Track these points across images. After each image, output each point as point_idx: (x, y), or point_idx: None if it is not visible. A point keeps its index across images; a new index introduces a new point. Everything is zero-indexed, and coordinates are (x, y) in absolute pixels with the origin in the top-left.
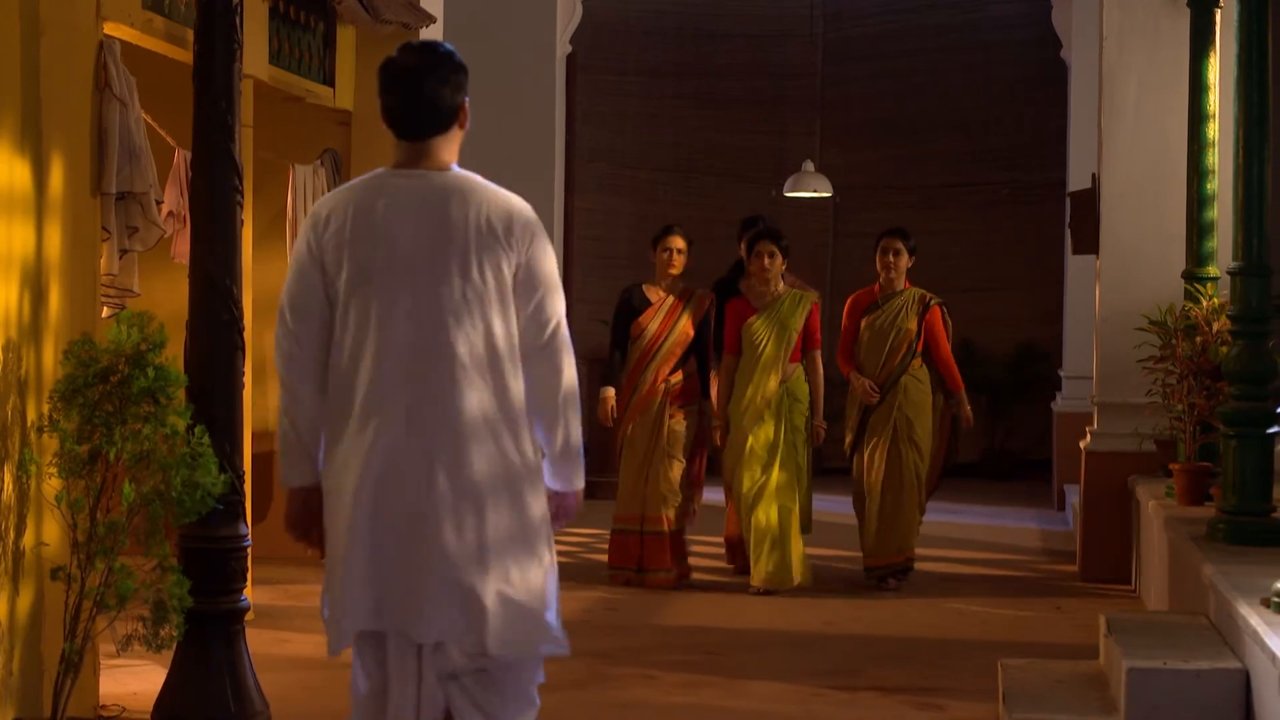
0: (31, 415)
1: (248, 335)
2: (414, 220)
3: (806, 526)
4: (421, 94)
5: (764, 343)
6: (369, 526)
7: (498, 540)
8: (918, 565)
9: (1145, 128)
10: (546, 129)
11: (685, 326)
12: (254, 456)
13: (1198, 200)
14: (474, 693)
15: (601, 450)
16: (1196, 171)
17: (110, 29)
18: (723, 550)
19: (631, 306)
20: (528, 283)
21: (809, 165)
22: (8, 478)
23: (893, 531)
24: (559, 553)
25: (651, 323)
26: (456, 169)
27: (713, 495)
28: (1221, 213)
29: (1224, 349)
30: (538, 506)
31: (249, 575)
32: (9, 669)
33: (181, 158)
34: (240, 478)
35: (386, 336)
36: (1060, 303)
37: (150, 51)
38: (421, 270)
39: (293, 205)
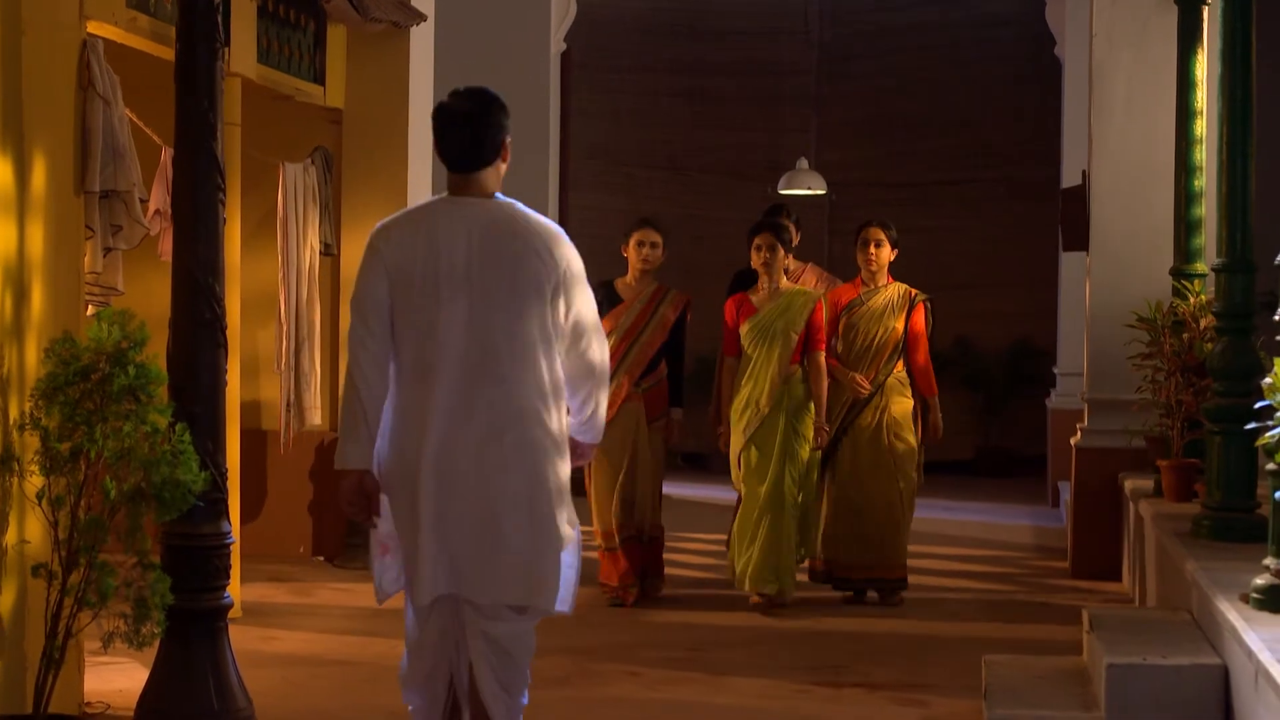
0: (14, 413)
1: (235, 334)
2: (466, 239)
3: (811, 550)
4: (470, 135)
5: (763, 343)
6: (434, 506)
7: (538, 507)
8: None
9: (1134, 125)
10: (541, 126)
11: (656, 328)
12: (244, 455)
13: (1185, 197)
14: (492, 659)
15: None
16: (1184, 168)
17: (94, 27)
18: (714, 548)
19: (601, 304)
20: (566, 290)
21: (803, 162)
22: None
23: (890, 543)
24: None
25: (623, 320)
26: (500, 197)
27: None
28: (1209, 209)
29: (1209, 345)
30: (566, 473)
31: (233, 573)
32: None
33: (168, 156)
34: (223, 475)
35: (446, 337)
36: (1055, 299)
37: (137, 50)
38: (475, 281)
39: (283, 203)
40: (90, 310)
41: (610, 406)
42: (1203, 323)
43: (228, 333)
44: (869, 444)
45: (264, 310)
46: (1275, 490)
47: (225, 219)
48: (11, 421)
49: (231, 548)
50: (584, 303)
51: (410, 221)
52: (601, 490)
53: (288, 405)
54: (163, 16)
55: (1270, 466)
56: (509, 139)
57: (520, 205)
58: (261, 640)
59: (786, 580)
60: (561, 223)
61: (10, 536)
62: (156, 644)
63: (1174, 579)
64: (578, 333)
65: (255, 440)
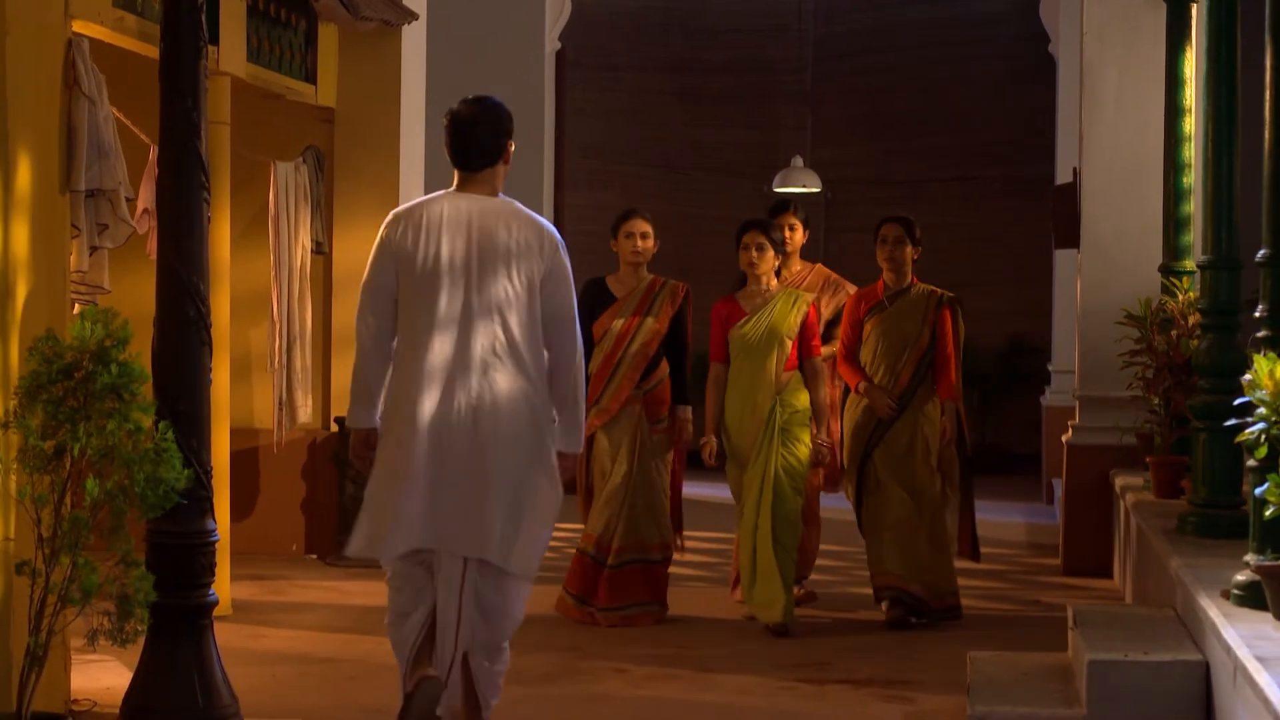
0: None
1: (225, 332)
2: (465, 232)
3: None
4: (472, 137)
5: (752, 349)
6: (425, 466)
7: (524, 477)
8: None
9: (1124, 122)
10: (536, 125)
11: (654, 323)
12: (237, 454)
13: (1174, 194)
14: (487, 605)
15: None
16: (1173, 165)
17: (80, 27)
18: (707, 545)
19: (592, 303)
20: (550, 283)
21: (798, 160)
22: None
23: (937, 568)
24: (549, 547)
25: (616, 321)
26: (501, 196)
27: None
28: (1197, 206)
29: (1194, 342)
30: (553, 453)
31: (223, 571)
32: None
33: (156, 155)
34: (207, 473)
35: (444, 319)
36: (1050, 297)
37: (126, 49)
38: (472, 270)
39: (275, 202)
40: (76, 309)
41: (608, 410)
42: (1191, 320)
43: (217, 331)
44: (900, 463)
45: (256, 309)
46: (1256, 487)
47: (210, 218)
48: None
49: (217, 545)
50: (564, 299)
51: (417, 212)
52: (596, 498)
53: (280, 404)
54: (150, 16)
55: (1251, 463)
56: (511, 144)
57: (518, 204)
58: (250, 638)
59: (788, 606)
60: (556, 221)
61: None
62: (142, 641)
63: (1160, 576)
64: (559, 326)
65: (247, 439)
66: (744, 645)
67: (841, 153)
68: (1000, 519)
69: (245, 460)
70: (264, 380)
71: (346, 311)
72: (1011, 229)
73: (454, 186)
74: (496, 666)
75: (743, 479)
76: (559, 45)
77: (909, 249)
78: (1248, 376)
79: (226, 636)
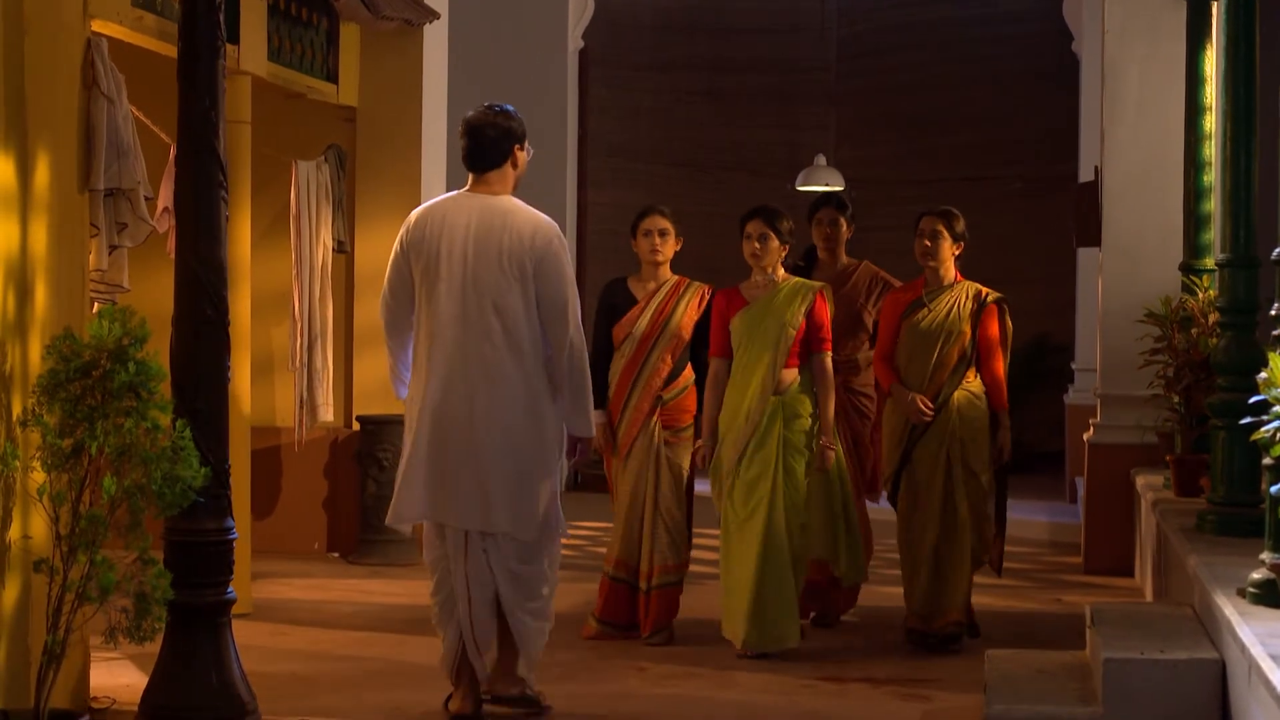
0: (16, 410)
1: (246, 331)
2: (466, 228)
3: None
4: (481, 141)
5: (753, 342)
6: (427, 443)
7: (520, 454)
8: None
9: (1146, 121)
10: (559, 124)
11: (678, 326)
12: (258, 452)
13: (1195, 192)
14: (517, 578)
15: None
16: (1193, 164)
17: (99, 26)
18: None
19: (613, 306)
20: (542, 273)
21: (821, 159)
22: None
23: (946, 586)
24: (568, 546)
25: (638, 323)
26: (507, 196)
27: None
28: (1217, 205)
29: (1213, 340)
30: (552, 429)
31: (245, 569)
32: None
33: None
34: (225, 472)
35: (447, 305)
36: (1074, 295)
37: (146, 49)
38: (471, 264)
39: (296, 200)
40: (95, 308)
41: (632, 425)
42: (1211, 318)
43: (237, 330)
44: (934, 476)
45: (278, 308)
46: (1273, 485)
47: (228, 217)
48: (14, 418)
49: (235, 543)
50: (556, 287)
51: (429, 211)
52: (618, 516)
53: (301, 402)
54: (169, 15)
55: (1267, 461)
56: (520, 148)
57: (520, 203)
58: (272, 636)
59: (789, 631)
60: (579, 221)
61: (13, 532)
62: (160, 639)
63: (1178, 574)
64: (555, 317)
65: (269, 437)
66: None
67: (864, 152)
68: (1023, 518)
69: (267, 459)
70: (285, 379)
71: (368, 310)
72: (1035, 228)
73: (466, 188)
74: (537, 623)
75: (729, 488)
76: (582, 44)
77: (947, 244)
78: (1263, 375)
79: (248, 635)
